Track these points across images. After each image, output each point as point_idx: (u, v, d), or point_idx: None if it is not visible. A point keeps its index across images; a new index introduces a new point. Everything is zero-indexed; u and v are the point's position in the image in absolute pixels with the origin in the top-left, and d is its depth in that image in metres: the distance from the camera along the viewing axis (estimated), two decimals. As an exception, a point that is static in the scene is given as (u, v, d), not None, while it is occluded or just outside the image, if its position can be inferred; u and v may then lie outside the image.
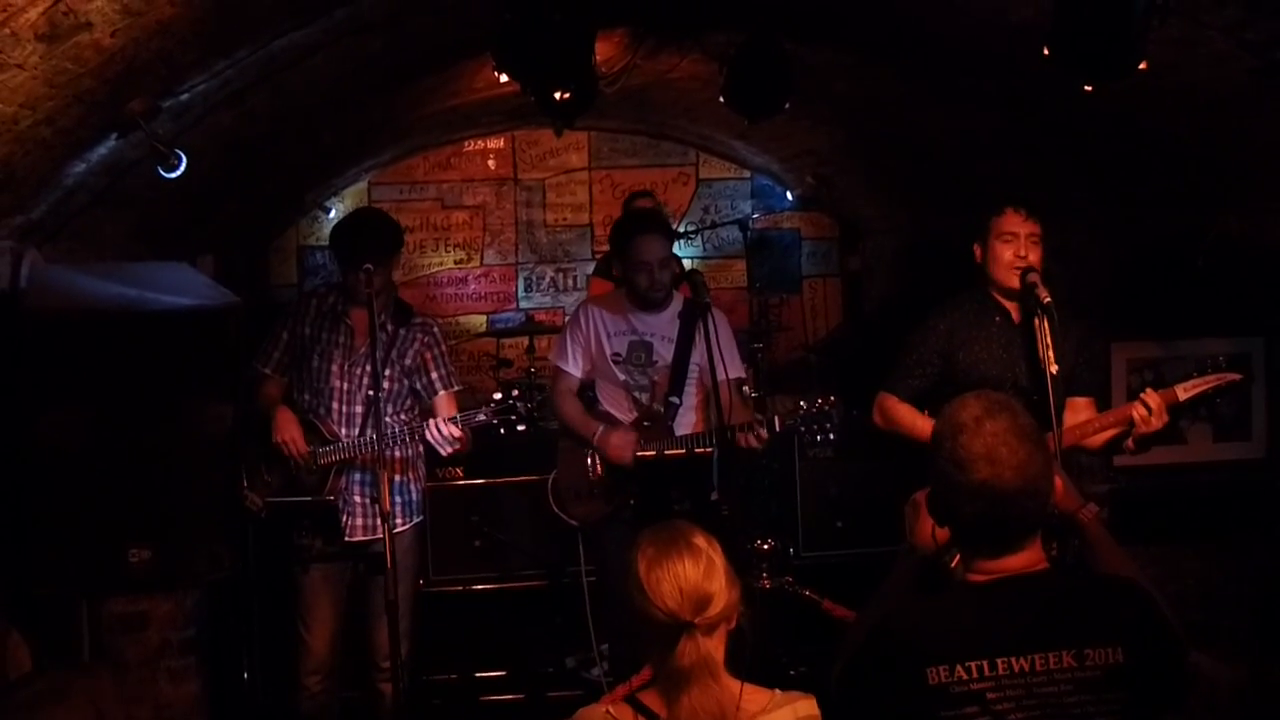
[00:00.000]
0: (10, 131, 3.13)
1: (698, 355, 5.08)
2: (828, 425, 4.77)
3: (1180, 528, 5.75)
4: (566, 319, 9.23)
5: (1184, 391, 4.20)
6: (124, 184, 4.10)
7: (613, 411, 5.20)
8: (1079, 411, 4.46)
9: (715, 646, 2.48)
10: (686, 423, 5.15)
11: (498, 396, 4.75)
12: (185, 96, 3.78)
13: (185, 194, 4.64)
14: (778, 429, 4.80)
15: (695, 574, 2.46)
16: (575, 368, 5.25)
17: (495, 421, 4.72)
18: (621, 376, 5.18)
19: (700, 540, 2.53)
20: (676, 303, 5.24)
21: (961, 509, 2.41)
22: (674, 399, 5.12)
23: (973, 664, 2.30)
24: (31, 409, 3.37)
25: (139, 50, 3.17)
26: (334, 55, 4.44)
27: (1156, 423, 4.15)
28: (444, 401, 4.94)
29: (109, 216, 4.34)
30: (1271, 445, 5.85)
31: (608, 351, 5.20)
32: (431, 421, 4.72)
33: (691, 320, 5.11)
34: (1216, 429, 5.89)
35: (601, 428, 5.07)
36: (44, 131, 3.26)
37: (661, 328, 5.20)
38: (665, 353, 5.16)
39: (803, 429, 4.81)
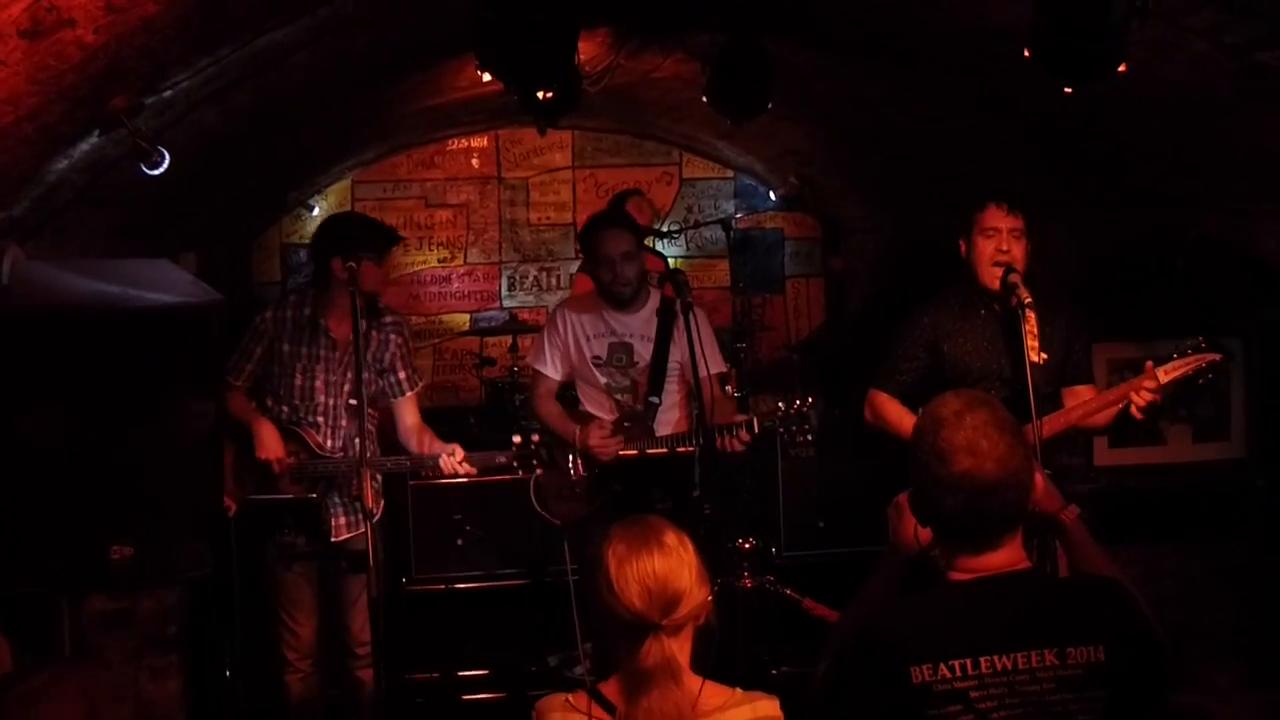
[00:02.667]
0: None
1: (677, 353, 5.11)
2: (806, 426, 4.82)
3: (1160, 528, 5.77)
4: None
5: (1164, 374, 4.24)
6: (107, 181, 4.09)
7: (595, 413, 5.21)
8: (1081, 399, 4.50)
9: (680, 647, 2.48)
10: (667, 421, 5.17)
11: (517, 440, 4.81)
12: (168, 94, 3.77)
13: (168, 191, 4.63)
14: (755, 430, 4.82)
15: (664, 573, 2.44)
16: (554, 371, 5.26)
17: (515, 465, 4.82)
18: (602, 379, 5.18)
19: (671, 538, 2.51)
20: (653, 300, 5.23)
21: (943, 502, 2.42)
22: (654, 399, 5.12)
23: (956, 663, 2.31)
24: (12, 406, 3.35)
25: (122, 47, 3.17)
26: (317, 53, 4.43)
27: (1151, 396, 4.23)
28: (409, 402, 4.99)
29: (91, 213, 4.33)
30: (1250, 445, 5.88)
31: (588, 354, 5.19)
32: (445, 458, 4.77)
33: (669, 318, 5.12)
34: (1196, 429, 5.91)
35: (578, 429, 5.09)
36: (26, 128, 3.25)
37: (639, 327, 5.19)
38: (645, 352, 5.16)
39: (781, 430, 4.87)
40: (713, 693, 2.50)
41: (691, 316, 4.89)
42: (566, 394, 5.46)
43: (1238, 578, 5.73)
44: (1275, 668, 5.39)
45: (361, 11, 4.19)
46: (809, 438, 4.88)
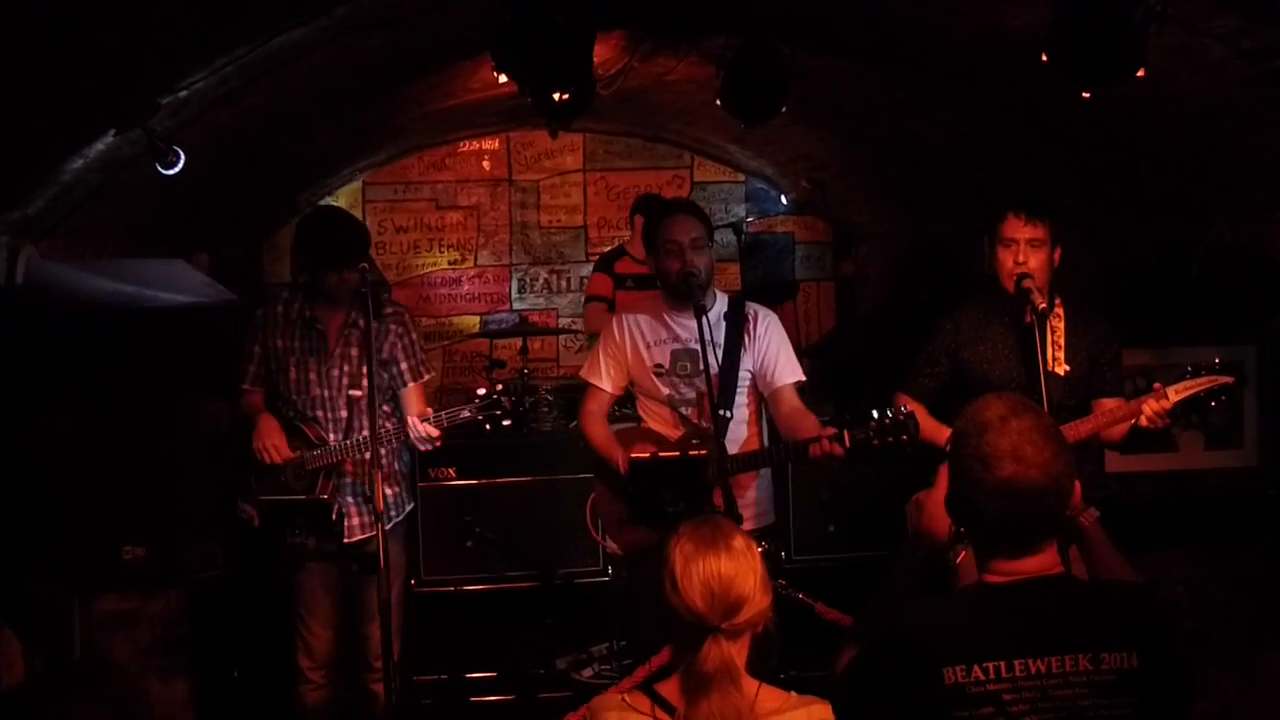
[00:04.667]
0: (8, 126, 3.13)
1: (749, 362, 4.65)
2: (904, 436, 4.24)
3: (1172, 535, 5.75)
4: (560, 321, 9.27)
5: (1175, 393, 4.24)
6: (121, 181, 4.10)
7: (658, 429, 4.71)
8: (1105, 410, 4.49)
9: (739, 651, 2.48)
10: (739, 437, 4.65)
11: (481, 392, 4.57)
12: (184, 93, 3.78)
13: (182, 191, 4.63)
14: (846, 444, 4.28)
15: (729, 576, 2.45)
16: (608, 383, 4.76)
17: (480, 418, 4.56)
18: (665, 390, 4.66)
19: (739, 541, 2.51)
20: (721, 304, 4.69)
21: (985, 507, 2.41)
22: (724, 412, 4.54)
23: (990, 665, 2.31)
24: (27, 405, 3.36)
25: (139, 46, 3.17)
26: (332, 54, 4.44)
27: (1160, 421, 4.23)
28: (413, 394, 4.85)
29: (106, 213, 4.34)
30: (1263, 453, 5.86)
31: (648, 363, 4.68)
32: (411, 421, 4.62)
33: (739, 322, 4.65)
34: (1208, 437, 5.89)
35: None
36: (42, 126, 3.26)
37: (706, 333, 4.53)
38: (713, 361, 4.53)
39: (876, 441, 4.27)
40: (769, 696, 2.50)
41: (753, 321, 4.62)
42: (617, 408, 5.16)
43: (1249, 586, 5.72)
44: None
45: (378, 12, 4.19)
46: (908, 450, 4.30)
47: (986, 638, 2.34)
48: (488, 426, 4.58)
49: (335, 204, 8.96)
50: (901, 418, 4.24)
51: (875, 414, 4.31)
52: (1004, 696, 2.30)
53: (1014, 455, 2.37)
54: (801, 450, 4.36)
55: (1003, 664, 2.31)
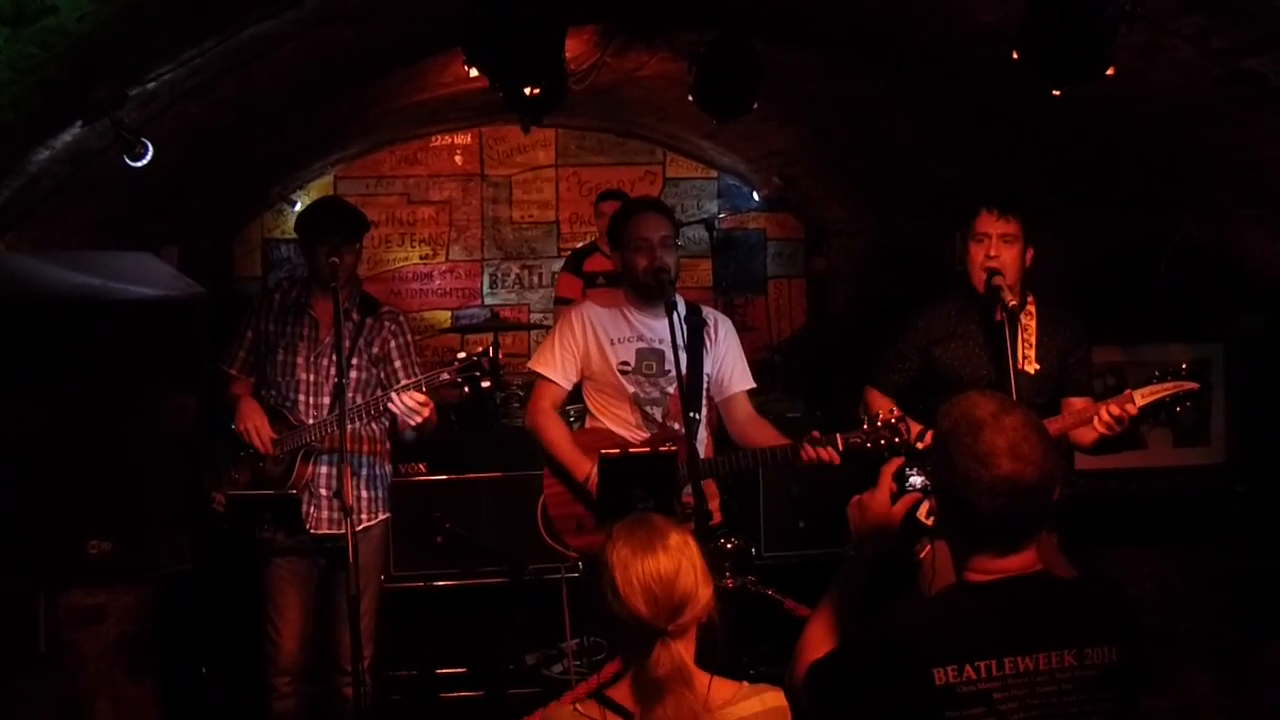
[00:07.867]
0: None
1: (709, 364, 4.67)
2: (896, 439, 4.27)
3: (1140, 531, 5.80)
4: (531, 317, 9.25)
5: (1141, 398, 4.25)
6: (88, 172, 4.07)
7: (617, 430, 4.62)
8: (1074, 410, 4.49)
9: (687, 648, 2.46)
10: (700, 440, 4.62)
11: (461, 355, 4.48)
12: (152, 85, 3.75)
13: (150, 184, 4.60)
14: (841, 448, 4.30)
15: (670, 576, 2.42)
16: (564, 379, 4.64)
17: (460, 380, 4.46)
18: (630, 389, 4.59)
19: (674, 538, 2.48)
20: (680, 305, 4.56)
21: (979, 505, 2.38)
22: (694, 414, 4.50)
23: (981, 664, 2.31)
24: (-9, 398, 3.32)
25: (106, 36, 3.15)
26: (303, 46, 4.41)
27: (1118, 426, 4.20)
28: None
29: (73, 205, 4.31)
30: (1230, 450, 5.91)
31: (613, 360, 4.60)
32: (394, 391, 4.49)
33: (699, 325, 4.67)
34: (1176, 434, 5.94)
35: (593, 467, 4.41)
36: (7, 117, 3.23)
37: (669, 333, 4.47)
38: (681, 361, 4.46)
39: (869, 445, 4.30)
40: (721, 688, 2.49)
41: (677, 316, 4.68)
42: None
43: (1216, 582, 5.76)
44: (1250, 673, 5.41)
45: (349, 5, 4.17)
46: (900, 451, 4.26)
47: (976, 637, 2.34)
48: (466, 389, 4.48)
49: (306, 198, 8.93)
50: (894, 420, 4.26)
51: (866, 420, 4.33)
52: (994, 695, 2.30)
53: (1011, 453, 2.35)
54: (792, 454, 4.36)
55: (993, 663, 2.31)
